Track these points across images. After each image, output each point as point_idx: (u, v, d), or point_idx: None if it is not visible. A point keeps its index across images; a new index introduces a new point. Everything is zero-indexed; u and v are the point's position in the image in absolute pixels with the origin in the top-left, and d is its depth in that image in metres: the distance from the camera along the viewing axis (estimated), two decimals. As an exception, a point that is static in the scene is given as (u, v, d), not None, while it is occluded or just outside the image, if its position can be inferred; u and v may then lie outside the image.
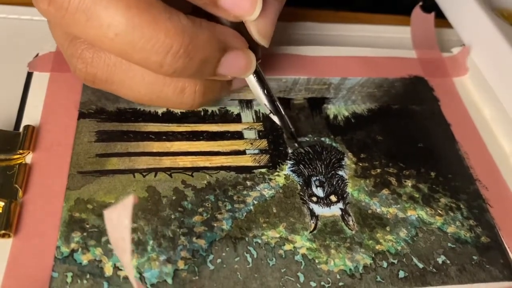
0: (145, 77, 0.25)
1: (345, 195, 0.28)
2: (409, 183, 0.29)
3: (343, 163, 0.29)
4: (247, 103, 0.31)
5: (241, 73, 0.26)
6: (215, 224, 0.25)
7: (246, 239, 0.25)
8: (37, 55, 0.30)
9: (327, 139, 0.31)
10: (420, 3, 0.38)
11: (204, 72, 0.25)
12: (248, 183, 0.27)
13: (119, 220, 0.19)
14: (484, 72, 0.35)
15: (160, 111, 0.30)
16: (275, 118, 0.29)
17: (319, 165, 0.29)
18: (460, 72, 0.36)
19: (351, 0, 0.44)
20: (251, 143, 0.29)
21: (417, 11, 0.38)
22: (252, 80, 0.28)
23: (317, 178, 0.28)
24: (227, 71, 0.25)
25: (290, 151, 0.29)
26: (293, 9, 0.39)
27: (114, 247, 0.21)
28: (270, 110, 0.29)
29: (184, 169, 0.27)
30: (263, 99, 0.28)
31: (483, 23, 0.36)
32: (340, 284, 0.24)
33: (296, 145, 0.30)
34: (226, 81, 0.28)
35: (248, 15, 0.25)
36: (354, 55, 0.36)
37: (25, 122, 0.27)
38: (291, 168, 0.29)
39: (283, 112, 0.29)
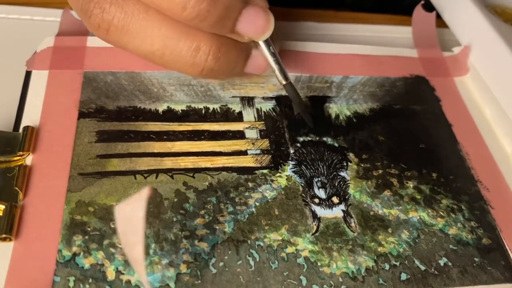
0: (162, 28, 0.25)
1: (347, 197, 0.28)
2: (410, 184, 0.29)
3: (345, 164, 0.29)
4: (249, 101, 0.31)
5: (259, 32, 0.26)
6: (217, 227, 0.25)
7: (248, 242, 0.25)
8: (35, 52, 0.30)
9: (329, 139, 0.30)
10: (422, 2, 0.38)
11: (224, 23, 0.25)
12: (250, 184, 0.27)
13: (133, 212, 0.19)
14: (481, 72, 0.35)
15: (160, 109, 0.29)
16: (289, 91, 0.30)
17: (321, 166, 0.29)
18: (461, 71, 0.36)
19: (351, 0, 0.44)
20: (253, 143, 0.29)
21: (418, 10, 0.38)
22: (264, 48, 0.28)
23: (319, 179, 0.28)
24: (245, 28, 0.26)
25: (291, 151, 0.29)
26: (293, 9, 0.39)
27: (124, 244, 0.20)
28: (283, 82, 0.29)
29: (186, 170, 0.27)
30: (275, 69, 0.29)
31: (479, 23, 0.35)
32: (343, 287, 0.24)
33: (308, 120, 0.31)
34: (241, 56, 0.28)
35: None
36: (355, 52, 0.35)
37: (24, 122, 0.27)
38: (293, 169, 0.28)
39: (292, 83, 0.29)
